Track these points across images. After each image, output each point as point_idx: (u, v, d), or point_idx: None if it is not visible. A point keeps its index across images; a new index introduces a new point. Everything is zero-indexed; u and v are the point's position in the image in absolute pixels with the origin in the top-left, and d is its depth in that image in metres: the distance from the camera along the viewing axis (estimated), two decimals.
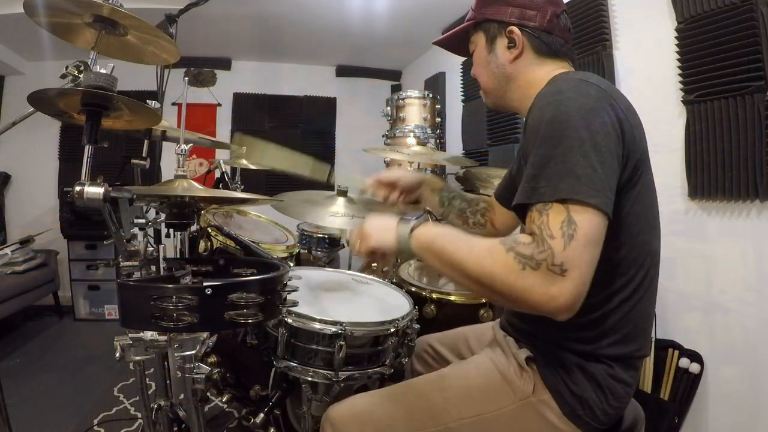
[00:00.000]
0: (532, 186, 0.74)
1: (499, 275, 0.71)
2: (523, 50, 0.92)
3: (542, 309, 0.69)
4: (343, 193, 1.46)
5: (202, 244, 1.64)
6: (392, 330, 1.16)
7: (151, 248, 0.97)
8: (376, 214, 0.95)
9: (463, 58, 3.06)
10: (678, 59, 1.57)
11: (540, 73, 0.91)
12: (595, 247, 0.70)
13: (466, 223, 1.26)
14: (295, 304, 0.99)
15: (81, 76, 0.90)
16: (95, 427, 1.96)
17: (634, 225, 0.80)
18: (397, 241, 0.86)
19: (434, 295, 1.55)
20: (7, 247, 3.17)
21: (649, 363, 1.63)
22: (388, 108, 2.91)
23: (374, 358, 1.18)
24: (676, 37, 1.58)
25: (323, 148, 4.36)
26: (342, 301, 1.33)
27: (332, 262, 3.18)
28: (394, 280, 1.65)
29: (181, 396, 1.02)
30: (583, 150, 0.71)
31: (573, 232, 0.68)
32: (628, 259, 0.82)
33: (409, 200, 1.25)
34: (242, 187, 2.48)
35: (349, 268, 2.45)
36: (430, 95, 2.86)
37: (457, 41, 1.04)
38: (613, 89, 0.81)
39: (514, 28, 0.91)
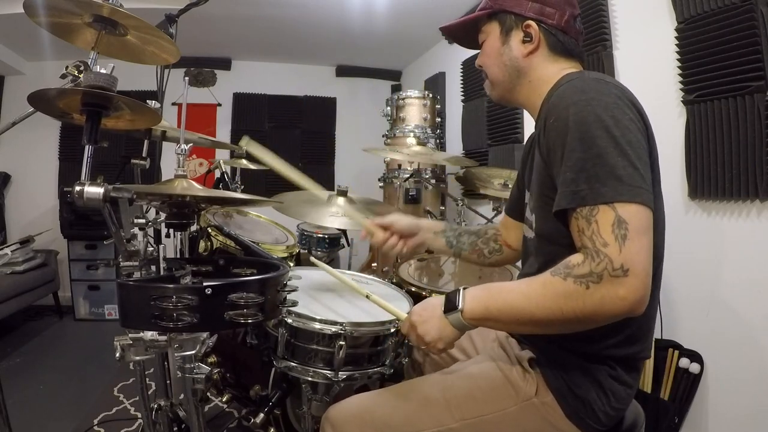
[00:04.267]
0: (572, 190, 0.74)
1: (567, 306, 0.72)
2: (538, 46, 0.91)
3: (619, 313, 0.70)
4: (342, 193, 1.45)
5: (202, 244, 1.64)
6: (392, 330, 1.16)
7: (151, 248, 0.97)
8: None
9: (464, 58, 3.09)
10: (678, 59, 1.57)
11: (552, 71, 0.91)
12: (647, 235, 0.71)
13: (482, 255, 1.23)
14: (294, 304, 0.99)
15: (81, 76, 0.90)
16: (95, 427, 1.96)
17: (656, 222, 0.80)
18: (457, 328, 0.85)
19: (434, 295, 1.55)
20: (7, 247, 3.17)
21: (649, 363, 1.62)
22: (388, 108, 2.91)
23: (374, 358, 1.17)
24: (676, 37, 1.58)
25: (323, 148, 4.36)
26: (342, 301, 1.33)
27: (332, 262, 3.19)
28: (394, 280, 1.65)
29: (181, 396, 1.02)
30: (620, 149, 0.71)
31: (626, 231, 0.69)
32: None
33: (411, 247, 1.20)
34: (242, 187, 2.49)
35: (349, 268, 2.45)
36: (430, 95, 2.86)
37: (465, 30, 1.03)
38: (627, 89, 0.81)
39: (532, 23, 0.91)
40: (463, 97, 3.18)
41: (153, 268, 0.99)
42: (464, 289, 0.85)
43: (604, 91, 0.77)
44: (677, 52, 1.58)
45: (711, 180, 1.50)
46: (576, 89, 0.78)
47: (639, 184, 0.71)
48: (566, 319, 0.73)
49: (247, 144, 1.19)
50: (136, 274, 0.92)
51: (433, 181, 2.75)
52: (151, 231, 1.45)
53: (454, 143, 3.32)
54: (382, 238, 1.16)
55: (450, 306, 0.84)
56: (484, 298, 0.82)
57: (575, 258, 0.73)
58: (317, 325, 1.11)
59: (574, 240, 0.75)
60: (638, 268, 0.68)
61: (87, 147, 0.81)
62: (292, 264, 1.88)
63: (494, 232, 1.23)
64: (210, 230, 1.65)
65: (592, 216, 0.71)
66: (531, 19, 0.91)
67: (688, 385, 1.54)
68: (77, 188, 0.76)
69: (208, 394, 1.01)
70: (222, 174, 2.19)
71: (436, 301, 0.88)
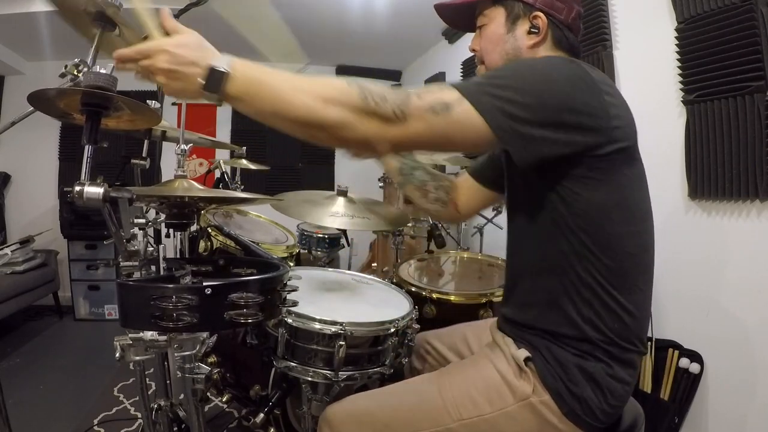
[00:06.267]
0: (470, 80, 0.77)
1: (336, 98, 0.71)
2: (544, 39, 0.91)
3: (362, 135, 0.71)
4: (343, 193, 1.45)
5: (202, 244, 1.64)
6: (392, 330, 1.16)
7: (151, 248, 0.97)
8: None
9: (464, 58, 3.08)
10: (678, 59, 1.57)
11: None
12: (456, 129, 0.73)
13: (425, 196, 1.22)
14: (295, 304, 0.99)
15: (80, 75, 0.90)
16: (95, 427, 1.96)
17: (635, 209, 0.82)
18: (204, 67, 0.73)
19: (434, 295, 1.55)
20: (7, 247, 3.17)
21: (649, 363, 1.63)
22: None
23: (374, 358, 1.17)
24: (676, 37, 1.58)
25: (323, 148, 4.33)
26: (342, 301, 1.33)
27: (332, 262, 3.19)
28: (394, 280, 1.65)
29: (181, 396, 1.02)
30: (523, 91, 0.73)
31: (440, 110, 0.70)
32: (630, 256, 0.83)
33: None
34: (242, 187, 2.49)
35: (349, 268, 2.45)
36: None
37: (463, 11, 1.00)
38: (601, 75, 0.82)
39: (542, 15, 0.89)
40: None
41: (153, 268, 0.99)
42: None
43: (562, 61, 0.80)
44: (677, 52, 1.57)
45: (711, 180, 1.50)
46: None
47: (506, 114, 0.72)
48: (325, 120, 0.71)
49: None
50: (136, 274, 0.92)
51: None
52: (151, 231, 1.45)
53: None
54: None
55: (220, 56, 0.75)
56: (263, 66, 0.77)
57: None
58: (317, 325, 1.11)
59: None
60: (414, 127, 0.70)
61: (87, 147, 0.81)
62: (292, 264, 1.88)
63: (449, 184, 1.24)
64: (210, 230, 1.65)
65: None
66: (540, 11, 0.89)
67: (688, 385, 1.54)
68: (77, 188, 0.76)
69: (208, 394, 1.00)
70: (222, 174, 2.19)
71: (210, 45, 0.76)
